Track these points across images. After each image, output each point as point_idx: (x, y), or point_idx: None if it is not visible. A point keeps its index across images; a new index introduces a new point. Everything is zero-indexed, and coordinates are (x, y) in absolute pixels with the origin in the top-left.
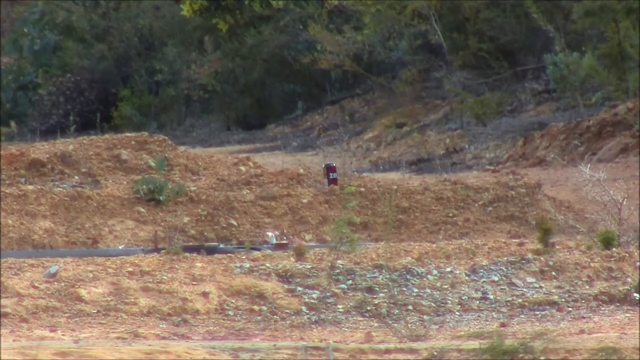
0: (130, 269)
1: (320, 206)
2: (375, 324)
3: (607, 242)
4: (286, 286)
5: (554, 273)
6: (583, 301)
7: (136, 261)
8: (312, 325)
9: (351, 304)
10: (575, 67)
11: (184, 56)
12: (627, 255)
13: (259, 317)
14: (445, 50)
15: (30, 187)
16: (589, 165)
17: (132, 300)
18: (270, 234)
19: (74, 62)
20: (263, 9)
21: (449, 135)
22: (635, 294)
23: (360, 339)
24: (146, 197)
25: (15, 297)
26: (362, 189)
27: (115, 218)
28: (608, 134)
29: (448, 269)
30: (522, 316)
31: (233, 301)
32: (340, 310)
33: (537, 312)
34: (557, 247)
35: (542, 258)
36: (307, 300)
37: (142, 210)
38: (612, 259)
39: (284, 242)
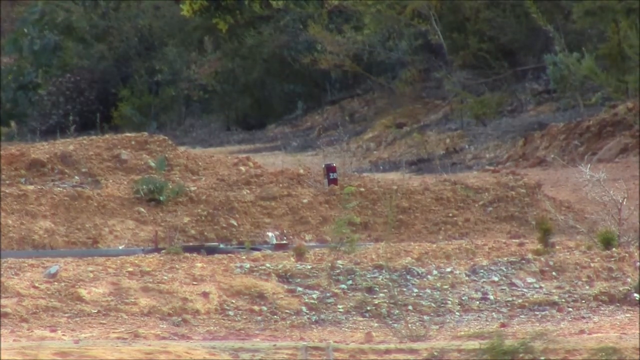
0: (130, 269)
1: (320, 206)
2: (376, 324)
3: (607, 242)
4: (286, 286)
5: (554, 273)
6: (583, 301)
7: (136, 261)
8: (312, 325)
9: (351, 304)
10: (575, 67)
11: (184, 56)
12: (627, 255)
13: (259, 317)
14: (445, 50)
15: (31, 187)
16: (589, 165)
17: (133, 300)
18: (270, 234)
19: (74, 62)
20: (263, 9)
21: (449, 135)
22: (635, 294)
23: (361, 339)
24: (146, 197)
25: (16, 297)
26: (362, 189)
27: (115, 218)
28: (608, 134)
29: (448, 269)
30: (522, 316)
31: (233, 301)
32: (341, 310)
33: (537, 313)
34: (557, 247)
35: (542, 258)
36: (307, 300)
37: (142, 210)
38: (612, 259)
39: (284, 242)
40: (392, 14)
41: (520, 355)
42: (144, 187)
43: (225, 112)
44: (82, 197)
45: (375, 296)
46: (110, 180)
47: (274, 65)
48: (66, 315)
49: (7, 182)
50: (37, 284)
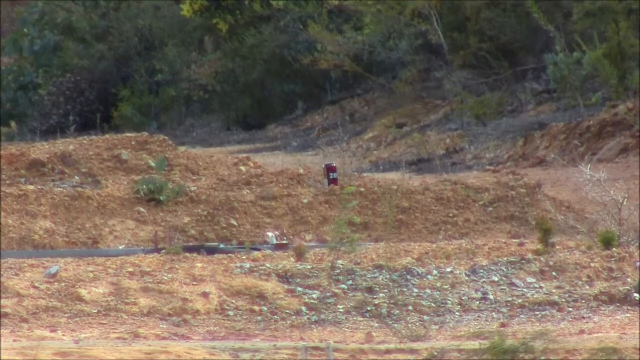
0: (130, 269)
1: (320, 206)
2: (376, 324)
3: (607, 242)
4: (286, 286)
5: (554, 273)
6: (583, 301)
7: (136, 261)
8: (312, 326)
9: (351, 304)
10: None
11: (184, 56)
12: (627, 255)
13: (259, 317)
14: (446, 50)
15: (31, 187)
16: (589, 165)
17: (132, 300)
18: (270, 234)
19: (74, 62)
20: (263, 9)
21: (449, 135)
22: (635, 294)
23: (361, 339)
24: (146, 197)
25: (16, 297)
26: (362, 189)
27: (115, 218)
28: (608, 134)
29: (448, 269)
30: (522, 316)
31: (233, 301)
32: (341, 310)
33: (537, 312)
34: (557, 247)
35: (542, 258)
36: (307, 300)
37: (142, 210)
38: (612, 259)
39: (284, 242)
40: (392, 14)
41: (521, 355)
42: (144, 187)
43: (225, 112)
44: (82, 197)
45: (375, 296)
46: (110, 180)
47: (274, 65)
48: (66, 315)
49: (7, 182)
50: (37, 284)
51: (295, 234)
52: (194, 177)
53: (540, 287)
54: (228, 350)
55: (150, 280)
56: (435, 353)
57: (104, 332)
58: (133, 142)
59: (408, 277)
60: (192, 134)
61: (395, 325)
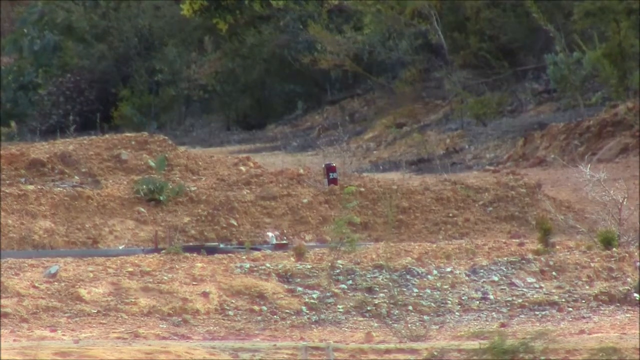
0: (130, 269)
1: (320, 206)
2: (376, 324)
3: (607, 242)
4: (286, 286)
5: (554, 273)
6: (583, 301)
7: (136, 261)
8: (312, 325)
9: (351, 304)
10: (576, 66)
11: (184, 56)
12: (627, 255)
13: (259, 317)
14: (446, 50)
15: (31, 187)
16: (589, 165)
17: (133, 300)
18: (270, 234)
19: (74, 62)
20: (263, 8)
21: (449, 135)
22: (635, 294)
23: (361, 339)
24: (146, 197)
25: (16, 297)
26: (362, 189)
27: (115, 218)
28: (608, 134)
29: (448, 269)
30: (522, 316)
31: (233, 301)
32: (341, 310)
33: (537, 312)
34: (557, 247)
35: (542, 258)
36: (307, 300)
37: (142, 210)
38: (612, 259)
39: (284, 242)
40: (392, 14)
41: (521, 355)
42: (144, 187)
43: (225, 112)
44: (82, 197)
45: (375, 296)
46: (110, 180)
47: (274, 65)
48: (66, 315)
49: (7, 182)
50: (37, 284)
51: (295, 234)
52: (194, 177)
53: (540, 287)
54: (228, 350)
55: (150, 280)
56: (435, 353)
57: (104, 332)
58: (133, 142)
59: (408, 277)
60: (192, 134)
61: (395, 325)
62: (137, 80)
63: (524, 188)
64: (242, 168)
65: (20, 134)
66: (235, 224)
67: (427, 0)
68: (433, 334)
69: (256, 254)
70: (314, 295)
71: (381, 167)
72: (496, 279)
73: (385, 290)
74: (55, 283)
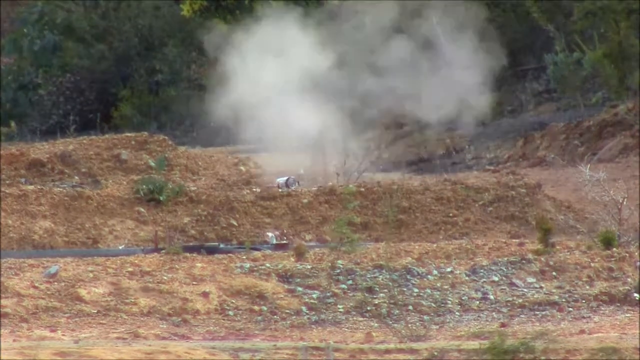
0: (130, 269)
1: (320, 206)
2: (376, 324)
3: (607, 242)
4: (286, 286)
5: (554, 273)
6: (583, 301)
7: (136, 261)
8: (312, 325)
9: (351, 304)
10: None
11: (184, 56)
12: (627, 255)
13: (259, 317)
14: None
15: (31, 187)
16: (589, 165)
17: (132, 300)
18: (270, 234)
19: (74, 62)
20: (263, 9)
21: (449, 135)
22: (636, 294)
23: (361, 339)
24: (146, 197)
25: (16, 297)
26: (362, 189)
27: (115, 218)
28: (608, 134)
29: (448, 269)
30: (523, 316)
31: (233, 301)
32: (340, 310)
33: (538, 312)
34: (557, 247)
35: (542, 258)
36: (307, 300)
37: (142, 210)
38: (612, 259)
39: (284, 242)
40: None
41: (521, 355)
42: (144, 187)
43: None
44: (82, 197)
45: (375, 296)
46: (110, 180)
47: None
48: (66, 315)
49: (8, 182)
50: (37, 284)
51: (295, 234)
52: (194, 177)
53: (541, 287)
54: (228, 350)
55: (150, 280)
56: (435, 353)
57: (104, 332)
58: (133, 142)
59: (408, 277)
60: (192, 134)
61: (395, 325)
62: (137, 80)
63: (524, 188)
64: (242, 168)
65: (20, 134)
66: (235, 224)
67: (427, 0)
68: (433, 334)
69: (256, 254)
70: (314, 295)
71: (381, 167)
72: (496, 279)
73: (385, 290)
74: (55, 283)
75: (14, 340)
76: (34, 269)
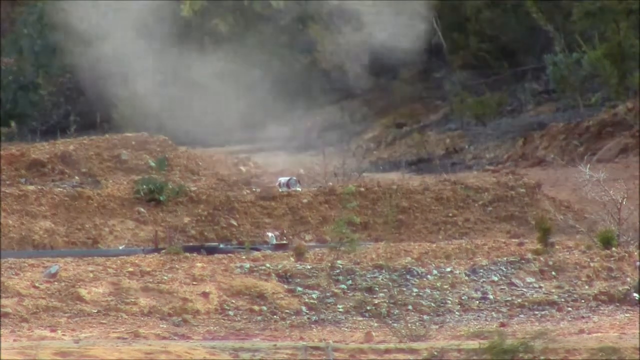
0: (130, 269)
1: (320, 206)
2: (375, 324)
3: (607, 242)
4: (286, 286)
5: (553, 273)
6: (583, 301)
7: (136, 261)
8: (312, 325)
9: (351, 304)
10: (576, 66)
11: (184, 57)
12: (626, 255)
13: (259, 317)
14: (446, 51)
15: (31, 187)
16: (588, 166)
17: (133, 300)
18: (270, 234)
19: (74, 62)
20: (263, 9)
21: (449, 135)
22: (635, 294)
23: (360, 339)
24: (146, 197)
25: (16, 297)
26: (362, 189)
27: (115, 218)
28: (608, 134)
29: (448, 269)
30: (522, 316)
31: (233, 301)
32: (340, 310)
33: (537, 312)
34: (557, 247)
35: (541, 258)
36: (307, 300)
37: (142, 210)
38: (612, 259)
39: (284, 242)
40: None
41: (520, 354)
42: (144, 187)
43: (226, 112)
44: (82, 197)
45: (375, 296)
46: (111, 180)
47: (274, 66)
48: (66, 315)
49: (8, 182)
50: (37, 284)
51: (295, 234)
52: (194, 177)
53: (540, 287)
54: (228, 350)
55: (151, 280)
56: (435, 353)
57: (104, 332)
58: (133, 142)
59: (408, 277)
60: (192, 134)
61: (395, 325)
62: (137, 80)
63: (524, 188)
64: (242, 168)
65: (20, 134)
66: (235, 224)
67: (427, 0)
68: (433, 333)
69: (256, 254)
70: (314, 295)
71: (381, 167)
72: (496, 278)
73: (385, 290)
74: (56, 283)
75: (15, 340)
76: (34, 268)
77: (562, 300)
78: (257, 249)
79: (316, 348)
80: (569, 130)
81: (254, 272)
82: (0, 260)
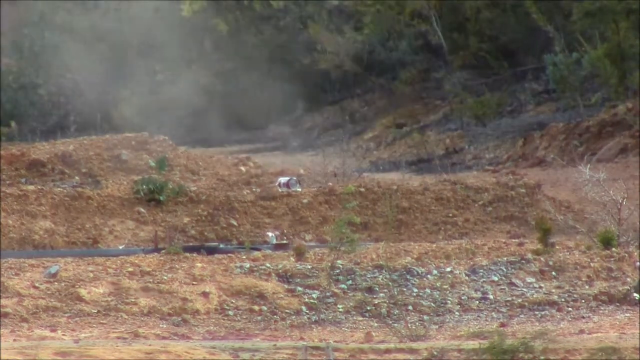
0: (130, 269)
1: (320, 206)
2: (375, 324)
3: (607, 242)
4: (286, 286)
5: (553, 273)
6: (583, 301)
7: (136, 261)
8: (312, 325)
9: (351, 304)
10: (575, 67)
11: (184, 57)
12: (626, 255)
13: (259, 317)
14: (445, 51)
15: (31, 187)
16: (588, 166)
17: (133, 300)
18: (270, 234)
19: (74, 62)
20: (263, 9)
21: (448, 135)
22: (635, 294)
23: (360, 339)
24: (146, 197)
25: (16, 297)
26: (362, 189)
27: (115, 218)
28: (608, 134)
29: (448, 269)
30: (522, 316)
31: (233, 301)
32: (340, 310)
33: (537, 312)
34: (557, 247)
35: (541, 258)
36: (307, 300)
37: (142, 210)
38: (612, 259)
39: (284, 242)
40: (392, 14)
41: (520, 354)
42: (144, 187)
43: (225, 112)
44: (82, 197)
45: (375, 296)
46: (111, 181)
47: (274, 66)
48: (66, 315)
49: (8, 182)
50: (37, 284)
51: (295, 234)
52: (194, 177)
53: (540, 287)
54: (228, 350)
55: (150, 280)
56: (435, 353)
57: (104, 332)
58: (133, 142)
59: (408, 277)
60: (192, 134)
61: (395, 325)
62: (137, 80)
63: (524, 188)
64: (242, 168)
65: (20, 134)
66: (235, 224)
67: (426, 0)
68: (433, 333)
69: (256, 254)
70: (314, 295)
71: (381, 167)
72: (496, 278)
73: (385, 290)
74: (56, 283)
75: (15, 340)
76: (34, 269)
77: (562, 300)
78: (257, 249)
79: (316, 348)
80: (569, 130)
81: (254, 272)
82: (0, 260)
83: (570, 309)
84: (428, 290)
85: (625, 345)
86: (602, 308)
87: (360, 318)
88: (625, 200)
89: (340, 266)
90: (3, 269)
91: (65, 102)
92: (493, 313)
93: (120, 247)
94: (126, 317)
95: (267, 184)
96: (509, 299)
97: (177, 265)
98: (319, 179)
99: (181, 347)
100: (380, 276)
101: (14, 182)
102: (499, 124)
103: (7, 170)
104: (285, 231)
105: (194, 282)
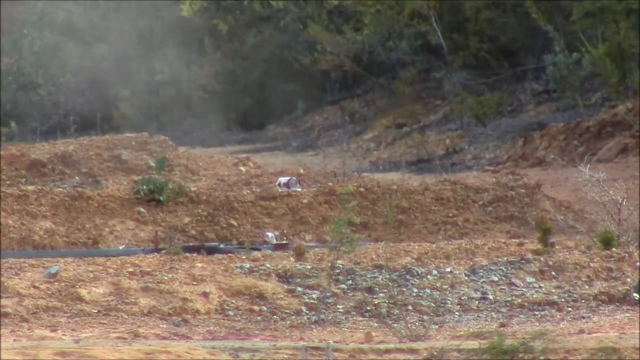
0: (130, 269)
1: (320, 206)
2: (375, 324)
3: (607, 242)
4: (286, 286)
5: (553, 273)
6: (583, 301)
7: (136, 261)
8: (312, 325)
9: (351, 304)
10: (575, 67)
11: (184, 57)
12: (626, 255)
13: (259, 317)
14: (445, 51)
15: (31, 188)
16: (588, 166)
17: (133, 300)
18: (270, 234)
19: (74, 62)
20: (263, 9)
21: (448, 135)
22: (635, 294)
23: (360, 339)
24: (146, 198)
25: (16, 297)
26: (362, 189)
27: (115, 218)
28: (608, 134)
29: (448, 269)
30: (522, 316)
31: (233, 301)
32: (340, 310)
33: (537, 312)
34: (557, 247)
35: (541, 258)
36: (307, 300)
37: (143, 210)
38: (612, 259)
39: (284, 242)
40: (392, 14)
41: (520, 354)
42: (144, 187)
43: (225, 112)
44: (83, 198)
45: (375, 296)
46: (111, 181)
47: (274, 66)
48: (66, 315)
49: (8, 182)
50: (37, 284)
51: (295, 234)
52: (194, 177)
53: (540, 287)
54: (228, 350)
55: (151, 280)
56: (435, 353)
57: (104, 332)
58: (133, 142)
59: (408, 277)
60: (192, 134)
61: (395, 325)
62: (137, 80)
63: (524, 188)
64: (242, 168)
65: (20, 134)
66: (235, 224)
67: (426, 0)
68: (433, 333)
69: (256, 254)
70: (314, 295)
71: (381, 167)
72: (496, 279)
73: (385, 290)
74: (56, 283)
75: (15, 340)
76: (34, 269)
77: (562, 300)
78: (257, 249)
79: (316, 348)
80: (569, 130)
81: (254, 272)
82: (0, 260)
83: (570, 309)
84: (428, 291)
85: (625, 345)
86: (602, 308)
87: (360, 318)
88: (625, 200)
89: (340, 266)
90: (3, 269)
91: (65, 102)
92: (493, 313)
93: (121, 247)
94: (126, 317)
95: (267, 184)
96: (509, 299)
97: (177, 265)
98: (319, 179)
99: (181, 347)
100: (380, 276)
101: (14, 182)
102: (499, 124)
103: (7, 171)
104: (285, 231)
105: (194, 282)
